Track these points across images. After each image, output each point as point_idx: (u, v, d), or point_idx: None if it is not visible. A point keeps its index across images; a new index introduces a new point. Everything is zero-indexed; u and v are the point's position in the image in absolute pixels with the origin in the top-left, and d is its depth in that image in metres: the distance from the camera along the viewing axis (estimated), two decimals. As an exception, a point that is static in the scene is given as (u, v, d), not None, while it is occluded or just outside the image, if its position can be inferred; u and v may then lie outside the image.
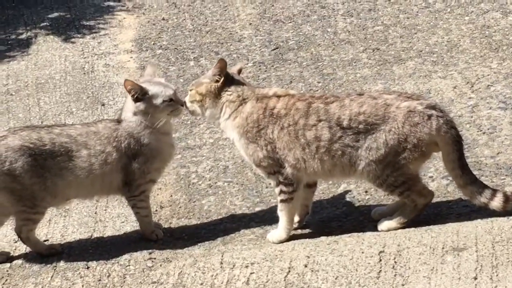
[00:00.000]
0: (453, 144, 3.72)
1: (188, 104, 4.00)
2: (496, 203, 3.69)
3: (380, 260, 3.54)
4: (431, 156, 3.86)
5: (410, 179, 3.74)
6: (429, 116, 3.71)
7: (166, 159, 4.09)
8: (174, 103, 4.00)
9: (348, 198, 4.29)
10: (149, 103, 3.96)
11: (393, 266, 3.50)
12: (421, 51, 5.59)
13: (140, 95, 3.93)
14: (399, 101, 3.76)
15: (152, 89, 3.98)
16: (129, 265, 3.90)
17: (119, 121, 4.04)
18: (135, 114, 3.97)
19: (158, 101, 3.97)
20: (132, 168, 4.01)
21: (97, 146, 3.97)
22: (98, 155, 3.97)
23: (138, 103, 3.95)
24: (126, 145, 3.98)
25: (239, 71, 4.10)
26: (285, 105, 3.81)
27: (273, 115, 3.81)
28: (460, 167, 3.71)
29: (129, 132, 3.98)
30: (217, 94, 3.92)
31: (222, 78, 3.89)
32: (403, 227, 3.80)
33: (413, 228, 3.77)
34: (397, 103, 3.74)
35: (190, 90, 4.02)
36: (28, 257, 4.11)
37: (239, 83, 3.99)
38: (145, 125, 3.96)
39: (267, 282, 3.55)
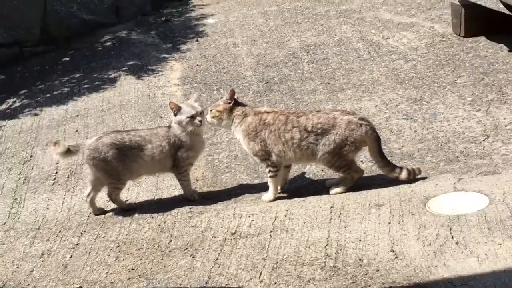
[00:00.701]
0: (375, 142, 4.38)
1: (209, 119, 4.60)
2: (403, 176, 4.34)
3: (331, 212, 4.14)
4: (362, 149, 4.47)
5: (349, 163, 4.40)
6: (361, 125, 4.34)
7: (198, 151, 4.72)
8: (194, 119, 4.56)
9: (311, 174, 4.88)
10: (180, 117, 4.61)
11: (339, 216, 4.09)
12: (355, 84, 6.21)
13: (177, 111, 4.62)
14: (342, 115, 4.39)
15: (183, 108, 4.61)
16: (177, 215, 4.52)
17: (169, 127, 4.69)
18: (175, 123, 4.64)
19: (183, 117, 4.60)
20: (177, 155, 4.63)
21: (157, 142, 4.60)
22: (158, 148, 4.60)
23: (175, 117, 4.64)
24: (173, 142, 4.61)
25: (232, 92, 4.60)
26: (272, 117, 4.48)
27: (265, 124, 4.47)
28: (380, 156, 4.40)
29: (174, 133, 4.62)
30: (229, 112, 4.55)
31: (232, 102, 4.56)
32: (345, 192, 4.43)
33: (351, 192, 4.39)
34: (341, 116, 4.37)
35: (211, 110, 4.61)
36: (115, 211, 4.79)
37: (242, 104, 4.61)
38: (181, 129, 4.62)
39: (261, 225, 4.16)
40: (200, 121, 4.55)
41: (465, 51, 6.51)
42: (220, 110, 4.58)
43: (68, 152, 4.66)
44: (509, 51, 6.33)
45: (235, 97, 4.63)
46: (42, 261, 4.33)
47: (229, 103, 4.56)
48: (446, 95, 5.71)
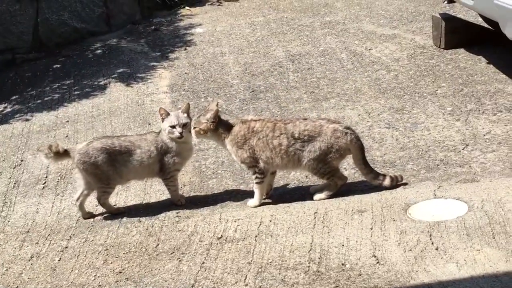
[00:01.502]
0: (359, 150, 4.40)
1: (194, 137, 4.57)
2: (386, 182, 4.37)
3: (315, 218, 4.14)
4: (346, 157, 4.47)
5: (334, 170, 4.39)
6: (346, 133, 4.36)
7: (185, 157, 4.66)
8: (173, 129, 4.50)
9: (295, 180, 4.86)
10: (164, 124, 4.55)
11: (323, 221, 4.08)
12: (339, 93, 6.22)
13: (165, 117, 4.55)
14: (328, 123, 4.40)
15: (169, 116, 4.54)
16: (164, 220, 4.49)
17: (158, 133, 4.68)
18: (163, 129, 4.59)
19: (165, 124, 4.54)
20: (164, 161, 4.60)
21: (146, 147, 4.57)
22: (146, 153, 4.57)
23: (162, 123, 4.59)
24: (160, 147, 4.58)
25: (216, 105, 4.53)
26: (260, 125, 4.46)
27: (253, 131, 4.44)
28: (363, 163, 4.40)
29: (162, 139, 4.59)
30: (213, 130, 4.51)
31: (215, 121, 4.49)
32: (329, 198, 4.42)
33: (334, 198, 4.38)
34: (327, 124, 4.38)
35: (194, 128, 4.51)
36: (104, 215, 4.75)
37: (224, 120, 4.55)
38: (168, 136, 4.55)
39: (247, 230, 4.14)
40: (180, 133, 4.51)
41: (445, 62, 6.56)
42: (204, 129, 4.54)
43: (65, 153, 4.61)
44: (488, 63, 6.40)
45: (219, 113, 4.59)
46: (31, 264, 4.31)
47: (214, 122, 4.52)
48: (426, 105, 5.74)
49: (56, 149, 4.58)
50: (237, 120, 4.60)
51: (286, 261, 3.77)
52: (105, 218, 4.75)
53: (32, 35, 8.52)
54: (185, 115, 4.60)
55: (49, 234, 4.64)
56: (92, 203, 4.87)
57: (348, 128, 4.44)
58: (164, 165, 4.63)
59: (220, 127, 4.54)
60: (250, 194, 4.65)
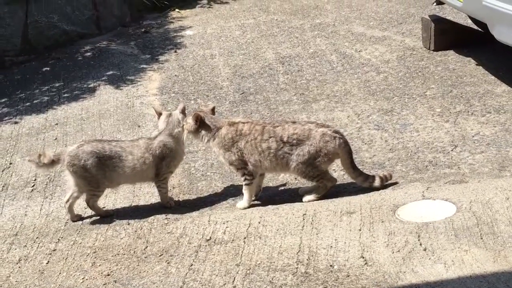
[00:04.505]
0: (347, 154, 4.42)
1: (185, 135, 4.61)
2: (377, 183, 4.40)
3: (304, 219, 4.14)
4: (334, 161, 4.49)
5: (322, 173, 4.40)
6: (334, 137, 4.38)
7: (180, 159, 4.74)
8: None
9: (284, 182, 4.89)
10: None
11: (311, 223, 4.09)
12: (328, 95, 6.24)
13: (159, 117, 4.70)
14: (317, 127, 4.41)
15: (174, 111, 4.68)
16: (153, 222, 4.49)
17: (151, 138, 4.70)
18: (166, 133, 4.62)
19: (176, 115, 4.66)
20: (161, 164, 4.60)
21: (139, 154, 4.58)
22: (140, 159, 4.58)
23: (170, 117, 4.66)
24: (159, 152, 4.60)
25: (213, 109, 4.64)
26: (248, 128, 4.46)
27: (242, 134, 4.45)
28: (352, 167, 4.43)
29: (161, 142, 4.61)
30: (196, 132, 4.55)
31: (197, 124, 4.51)
32: (318, 200, 4.44)
33: (323, 200, 4.40)
34: (316, 128, 4.40)
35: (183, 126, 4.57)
36: (92, 218, 4.76)
37: (207, 124, 4.54)
38: (170, 138, 4.62)
39: (236, 232, 4.14)
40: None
41: (435, 64, 6.59)
42: (187, 128, 4.62)
43: (53, 163, 4.63)
44: (477, 65, 6.44)
45: (203, 116, 4.60)
46: (19, 267, 4.30)
47: (195, 124, 4.57)
48: (416, 106, 5.77)
49: (46, 159, 4.61)
50: (222, 122, 4.60)
51: (274, 262, 3.77)
52: (94, 221, 4.75)
53: (21, 38, 8.50)
54: (182, 115, 4.69)
55: (37, 237, 4.63)
56: (81, 206, 4.87)
57: (336, 132, 4.46)
58: (160, 169, 4.65)
59: (202, 130, 4.56)
60: (239, 196, 4.66)
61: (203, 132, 4.55)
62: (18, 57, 8.45)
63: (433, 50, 6.79)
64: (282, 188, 4.86)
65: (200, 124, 4.54)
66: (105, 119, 6.48)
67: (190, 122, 4.54)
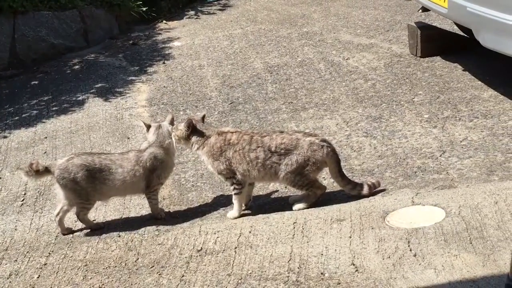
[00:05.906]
0: (336, 163, 4.43)
1: (175, 142, 4.64)
2: (365, 191, 4.42)
3: (294, 228, 4.16)
4: (323, 169, 4.50)
5: (311, 181, 4.42)
6: (322, 146, 4.39)
7: (170, 170, 4.78)
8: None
9: (274, 191, 4.91)
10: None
11: (302, 231, 4.10)
12: (317, 103, 6.26)
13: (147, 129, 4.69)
14: (305, 136, 4.43)
15: (163, 121, 4.70)
16: (144, 234, 4.50)
17: (140, 150, 4.68)
18: (155, 144, 4.63)
19: (167, 124, 4.68)
20: (152, 176, 4.62)
21: (129, 167, 4.59)
22: (130, 172, 4.58)
23: (163, 123, 4.69)
24: (150, 164, 4.61)
25: (203, 117, 4.64)
26: (237, 137, 4.47)
27: (230, 143, 4.46)
28: (340, 176, 4.44)
29: (151, 154, 4.63)
30: (187, 138, 4.58)
31: (189, 131, 4.54)
32: (308, 208, 4.45)
33: (313, 208, 4.41)
34: (303, 138, 4.41)
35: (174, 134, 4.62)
36: (83, 231, 4.75)
37: (199, 130, 4.58)
38: (160, 149, 4.62)
39: (227, 242, 4.15)
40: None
41: (422, 70, 6.61)
42: (179, 136, 4.64)
43: (46, 171, 4.61)
44: (463, 70, 6.47)
45: (194, 123, 4.64)
46: (10, 282, 4.28)
47: (187, 131, 4.59)
48: (404, 112, 5.79)
49: (37, 167, 4.60)
50: (212, 131, 4.62)
51: (265, 271, 3.78)
52: (85, 234, 4.74)
53: (9, 52, 8.53)
54: (171, 126, 4.72)
55: (27, 251, 4.61)
56: (71, 219, 4.86)
57: (324, 141, 4.48)
58: (151, 181, 4.66)
59: (193, 137, 4.58)
60: (230, 206, 4.67)
61: (193, 139, 4.57)
62: (6, 71, 8.47)
63: (420, 57, 6.81)
64: (272, 196, 4.87)
65: (192, 130, 4.56)
66: (95, 132, 6.49)
67: (182, 128, 4.56)
